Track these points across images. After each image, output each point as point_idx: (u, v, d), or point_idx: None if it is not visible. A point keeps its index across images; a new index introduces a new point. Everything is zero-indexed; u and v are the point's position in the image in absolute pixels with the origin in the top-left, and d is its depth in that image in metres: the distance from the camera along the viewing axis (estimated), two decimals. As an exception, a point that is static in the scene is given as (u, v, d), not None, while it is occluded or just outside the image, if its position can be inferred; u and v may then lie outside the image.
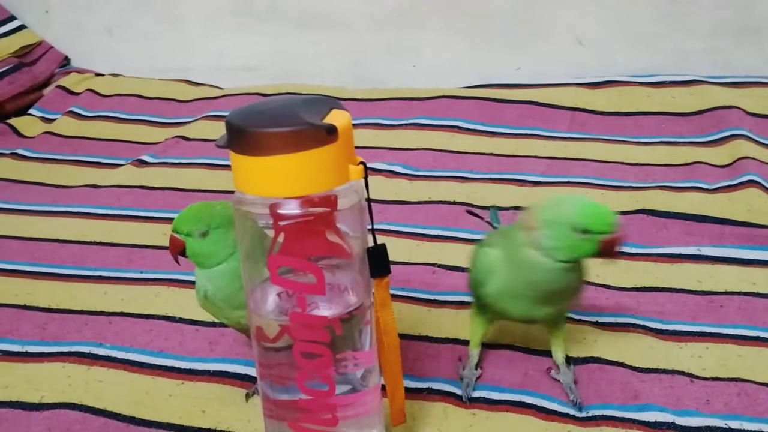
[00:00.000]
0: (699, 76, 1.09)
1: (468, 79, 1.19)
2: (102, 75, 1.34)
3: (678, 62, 1.12)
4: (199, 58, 1.32)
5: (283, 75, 1.25)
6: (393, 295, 0.73)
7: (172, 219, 0.91)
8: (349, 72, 1.25)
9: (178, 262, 0.59)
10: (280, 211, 0.45)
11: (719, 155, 0.94)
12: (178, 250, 0.58)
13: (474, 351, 0.62)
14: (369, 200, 0.48)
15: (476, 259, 0.60)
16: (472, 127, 1.08)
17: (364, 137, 1.08)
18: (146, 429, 0.58)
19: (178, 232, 0.58)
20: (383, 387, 0.52)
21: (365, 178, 0.46)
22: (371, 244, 0.49)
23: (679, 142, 0.99)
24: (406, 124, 1.10)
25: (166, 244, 0.87)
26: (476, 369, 0.61)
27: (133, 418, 0.60)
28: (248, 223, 0.48)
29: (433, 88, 1.17)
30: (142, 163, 1.06)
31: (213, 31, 1.31)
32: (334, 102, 0.47)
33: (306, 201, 0.46)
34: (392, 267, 0.78)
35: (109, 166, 1.08)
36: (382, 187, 0.94)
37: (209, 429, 0.58)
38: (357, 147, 1.12)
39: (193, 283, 0.76)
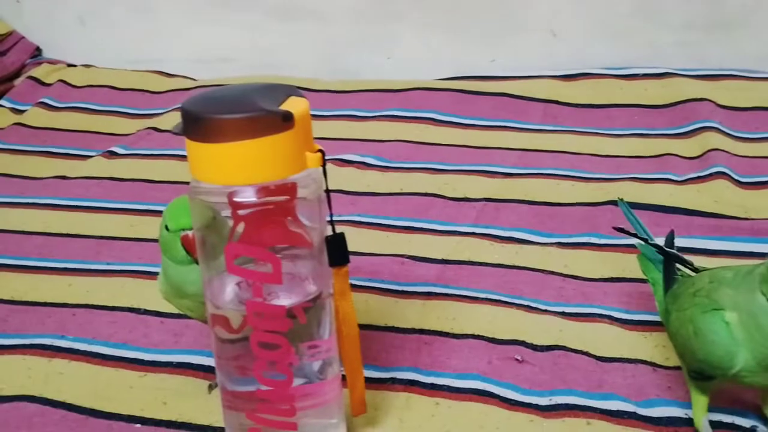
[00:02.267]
0: (671, 68, 1.09)
1: (443, 71, 1.19)
2: (74, 66, 1.32)
3: (651, 55, 1.13)
4: (173, 49, 1.31)
5: (259, 66, 1.24)
6: (361, 286, 0.73)
7: (141, 211, 0.93)
8: (325, 64, 1.25)
9: (197, 261, 0.51)
10: (236, 199, 0.45)
11: (690, 147, 0.94)
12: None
13: (705, 424, 0.52)
14: (328, 189, 0.47)
15: (704, 329, 0.47)
16: (445, 118, 1.07)
17: (337, 129, 1.08)
18: (106, 421, 0.58)
19: (186, 228, 0.52)
20: (344, 377, 0.52)
21: (323, 166, 0.46)
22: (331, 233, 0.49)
23: (650, 135, 0.99)
24: (380, 116, 1.10)
25: (135, 235, 0.88)
26: None
27: (93, 410, 0.59)
28: (206, 213, 0.47)
29: (407, 79, 1.16)
30: (113, 154, 1.05)
31: (188, 22, 1.29)
32: (291, 89, 0.46)
33: (263, 189, 0.45)
34: (361, 258, 0.80)
35: (79, 158, 1.06)
36: (353, 179, 0.94)
37: (169, 421, 0.58)
38: (329, 139, 1.12)
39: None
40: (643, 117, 1.03)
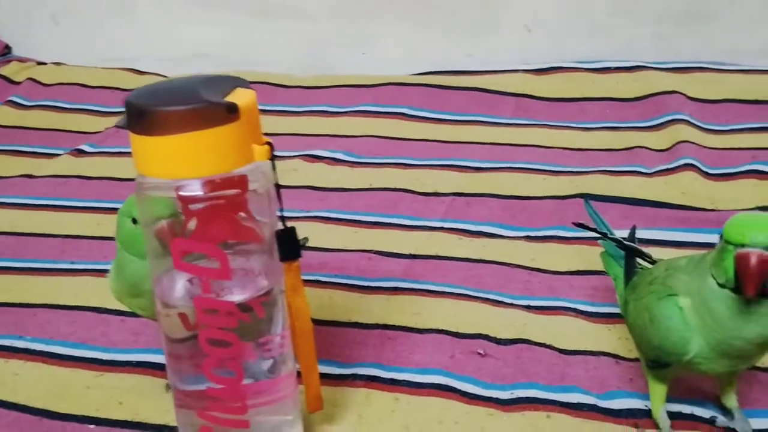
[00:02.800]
0: (644, 62, 1.09)
1: (419, 66, 1.18)
2: (44, 64, 1.31)
3: (625, 49, 1.13)
4: (148, 47, 1.29)
5: (235, 63, 1.23)
6: (327, 282, 0.73)
7: (108, 209, 0.91)
8: (301, 60, 1.24)
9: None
10: (182, 193, 0.44)
11: (659, 140, 0.94)
12: None
13: (663, 415, 0.51)
14: (277, 182, 0.46)
15: (659, 315, 0.47)
16: (417, 114, 1.07)
17: (308, 125, 1.07)
18: (60, 422, 0.57)
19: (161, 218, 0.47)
20: (299, 373, 0.51)
21: (272, 159, 0.45)
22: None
23: (621, 128, 0.99)
24: (352, 112, 1.09)
25: (101, 234, 0.87)
26: None
27: (47, 411, 0.58)
28: (154, 209, 0.46)
29: (381, 75, 1.16)
30: (81, 152, 1.04)
31: (163, 19, 1.28)
32: (239, 81, 0.45)
33: (211, 183, 0.44)
34: (328, 254, 0.79)
35: (47, 156, 1.05)
36: (323, 175, 0.93)
37: (125, 421, 0.57)
38: (300, 135, 1.11)
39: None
40: (614, 110, 1.03)
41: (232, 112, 0.42)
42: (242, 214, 0.47)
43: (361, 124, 1.06)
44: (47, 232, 0.85)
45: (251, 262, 0.49)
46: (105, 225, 0.85)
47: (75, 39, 1.32)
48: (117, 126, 0.43)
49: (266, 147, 0.44)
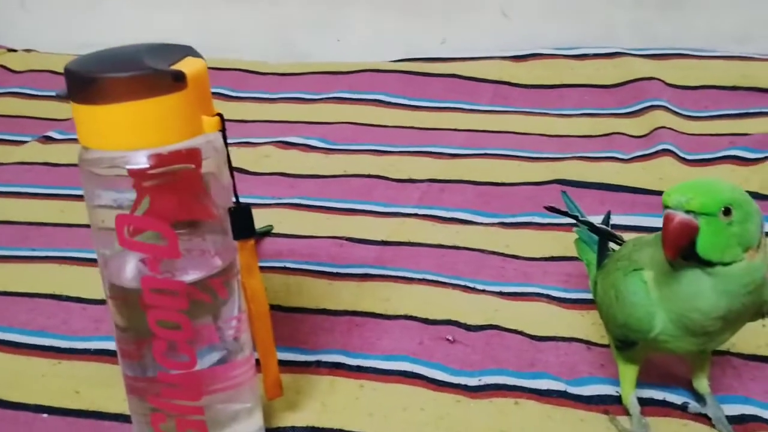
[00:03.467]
0: (623, 48, 1.08)
1: (394, 53, 1.16)
2: (15, 51, 1.28)
3: (604, 35, 1.11)
4: (120, 32, 1.25)
5: (207, 49, 1.19)
6: (296, 269, 0.71)
7: (72, 195, 0.89)
8: (275, 46, 1.22)
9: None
10: (129, 167, 0.42)
11: (637, 126, 0.93)
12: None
13: (632, 401, 0.50)
14: (229, 157, 0.44)
15: (624, 290, 0.46)
16: (393, 100, 1.05)
17: (282, 111, 1.05)
18: (11, 412, 0.54)
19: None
20: (258, 361, 0.49)
21: (222, 131, 0.43)
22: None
23: (599, 114, 0.98)
24: (327, 99, 1.07)
25: (64, 221, 0.84)
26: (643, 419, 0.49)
27: (0, 400, 0.55)
28: (97, 184, 0.44)
29: (357, 62, 1.14)
30: (49, 139, 1.01)
31: (135, 4, 1.25)
32: (189, 50, 0.43)
33: (158, 156, 0.42)
34: (299, 241, 0.77)
35: (14, 143, 1.02)
36: (296, 161, 0.91)
37: (79, 410, 0.54)
38: (274, 122, 1.09)
39: (87, 260, 0.72)
40: (593, 97, 1.02)
41: (178, 80, 0.40)
42: (197, 191, 0.45)
43: (336, 110, 1.04)
44: (9, 219, 0.83)
45: (206, 241, 0.47)
46: (68, 212, 0.83)
47: (45, 25, 1.29)
48: (56, 95, 0.41)
49: (216, 118, 0.42)
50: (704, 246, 0.41)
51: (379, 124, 1.00)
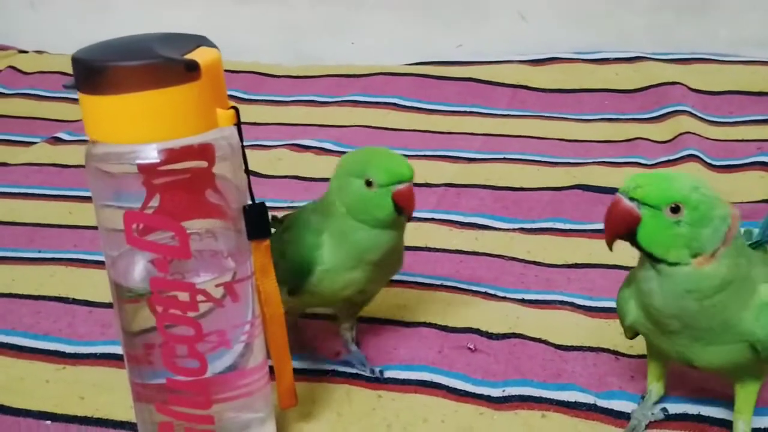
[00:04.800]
0: (643, 52, 1.06)
1: (409, 56, 1.14)
2: (25, 52, 1.26)
3: (621, 39, 1.09)
4: (130, 33, 1.25)
5: (220, 52, 1.19)
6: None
7: (81, 197, 0.87)
8: (288, 49, 1.20)
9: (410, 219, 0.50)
10: (139, 162, 0.40)
11: (661, 131, 0.90)
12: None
13: (650, 389, 0.49)
14: (244, 154, 0.42)
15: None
16: (408, 104, 1.03)
17: (296, 115, 1.03)
18: (12, 418, 0.52)
19: (404, 180, 0.48)
20: (271, 368, 0.47)
21: (238, 125, 0.41)
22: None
23: (620, 119, 0.95)
24: (341, 102, 1.05)
25: (73, 222, 0.82)
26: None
27: (1, 406, 0.53)
28: (106, 181, 0.42)
29: (371, 65, 1.12)
30: (58, 140, 1.00)
31: (145, 6, 1.24)
32: (203, 39, 0.41)
33: (174, 152, 0.40)
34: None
35: (23, 144, 1.01)
36: (310, 165, 0.89)
37: (84, 417, 0.52)
38: (288, 124, 1.07)
39: (95, 262, 0.70)
40: (613, 102, 0.99)
41: (191, 69, 0.37)
42: (209, 190, 0.43)
43: (350, 114, 1.01)
44: (16, 220, 0.81)
45: (218, 242, 0.45)
46: (77, 213, 0.81)
47: (55, 25, 1.27)
48: (64, 86, 0.39)
49: (231, 112, 0.40)
50: (644, 239, 0.39)
51: (394, 128, 0.98)
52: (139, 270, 0.43)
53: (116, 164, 0.40)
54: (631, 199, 0.39)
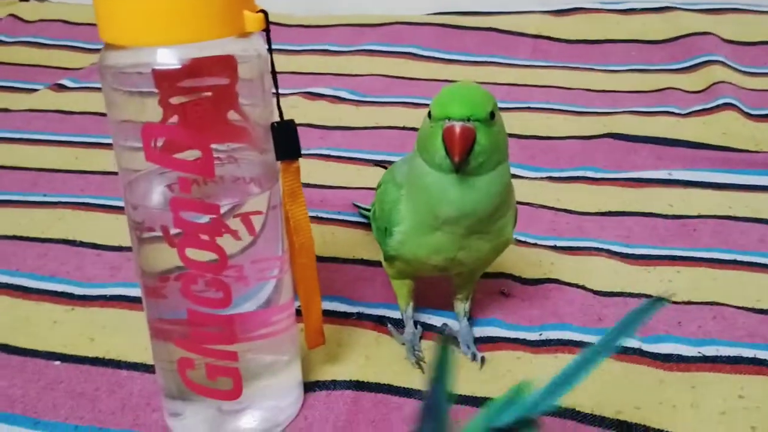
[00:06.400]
0: (672, 2, 1.01)
1: (427, 6, 1.10)
2: (26, 0, 1.22)
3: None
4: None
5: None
6: (327, 219, 0.65)
7: (88, 143, 0.83)
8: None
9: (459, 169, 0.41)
10: (156, 67, 0.36)
11: (693, 81, 0.87)
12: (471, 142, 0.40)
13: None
14: (273, 65, 0.39)
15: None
16: (427, 54, 0.99)
17: (310, 63, 0.99)
18: (19, 357, 0.49)
19: (454, 118, 0.40)
20: (299, 311, 0.44)
21: (267, 31, 0.37)
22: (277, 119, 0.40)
23: (649, 70, 0.91)
24: (356, 51, 1.01)
25: (78, 168, 0.79)
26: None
27: (6, 346, 0.50)
28: (121, 93, 0.38)
29: (386, 14, 1.07)
30: (62, 87, 0.96)
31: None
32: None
33: (190, 62, 0.36)
34: (329, 191, 0.71)
35: (25, 91, 0.97)
36: (325, 113, 0.85)
37: (95, 358, 0.49)
38: (300, 73, 1.03)
39: (103, 206, 0.67)
40: (641, 52, 0.95)
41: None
42: (232, 111, 0.39)
43: (365, 62, 0.97)
44: (19, 165, 0.77)
45: (240, 168, 0.41)
46: (84, 159, 0.78)
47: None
48: None
49: (260, 15, 0.36)
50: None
51: (412, 77, 0.94)
52: (158, 193, 0.40)
53: (133, 73, 0.36)
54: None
